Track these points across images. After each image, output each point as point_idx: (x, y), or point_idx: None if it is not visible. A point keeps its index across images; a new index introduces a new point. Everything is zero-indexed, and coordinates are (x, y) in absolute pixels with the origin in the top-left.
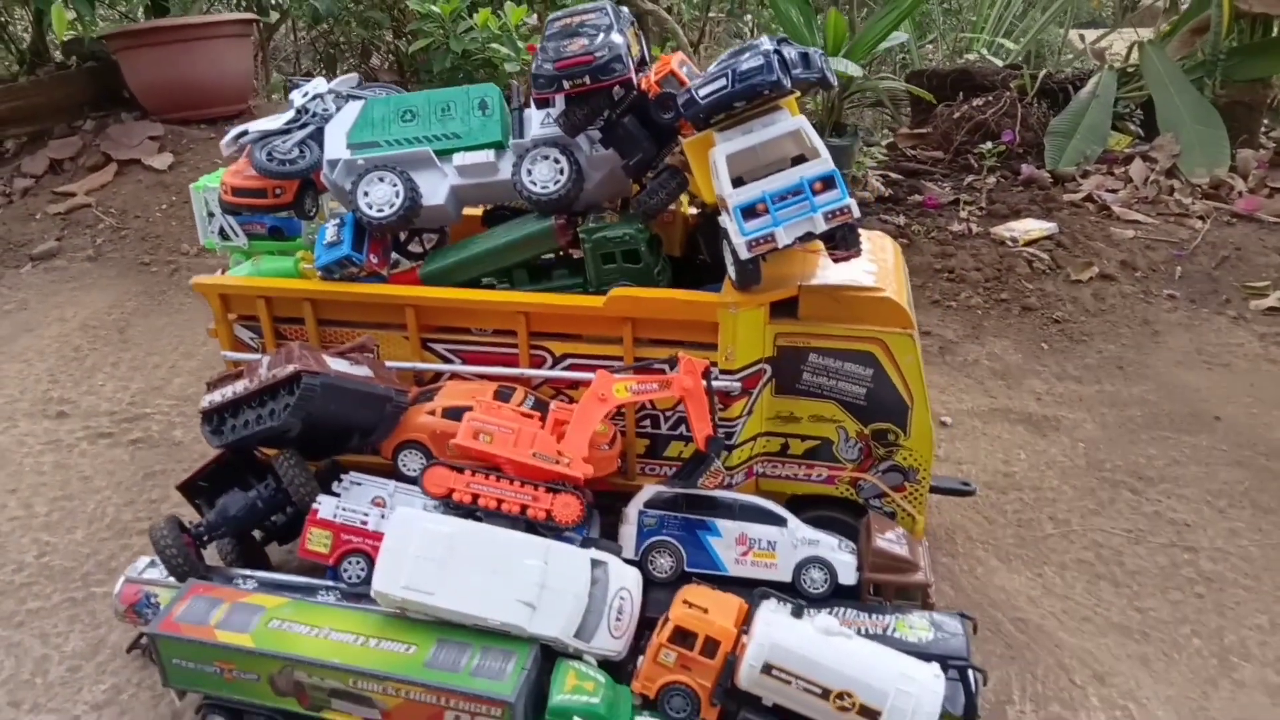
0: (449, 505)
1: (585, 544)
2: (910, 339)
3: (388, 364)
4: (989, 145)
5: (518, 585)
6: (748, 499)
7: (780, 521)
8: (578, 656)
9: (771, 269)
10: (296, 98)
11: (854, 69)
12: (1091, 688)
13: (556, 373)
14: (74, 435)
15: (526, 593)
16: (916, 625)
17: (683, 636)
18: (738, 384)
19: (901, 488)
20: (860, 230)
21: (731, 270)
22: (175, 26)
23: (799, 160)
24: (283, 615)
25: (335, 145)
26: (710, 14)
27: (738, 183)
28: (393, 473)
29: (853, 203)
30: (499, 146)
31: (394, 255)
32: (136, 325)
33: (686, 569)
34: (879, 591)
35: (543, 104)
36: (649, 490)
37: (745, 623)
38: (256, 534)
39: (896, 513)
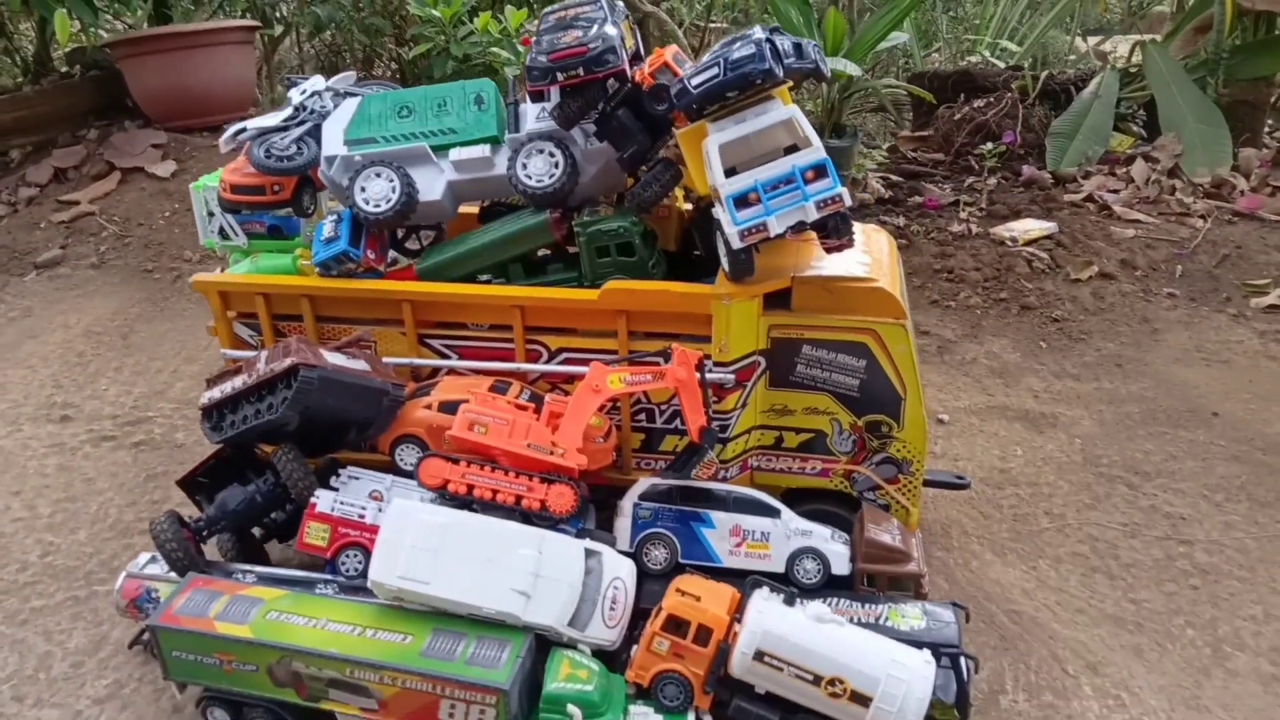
0: (444, 496)
1: (580, 535)
2: (903, 329)
3: (385, 360)
4: (989, 146)
5: (512, 574)
6: (741, 491)
7: (773, 513)
8: (572, 645)
9: (765, 261)
10: (294, 95)
11: (853, 69)
12: (1084, 677)
13: (552, 367)
14: (77, 439)
15: (521, 582)
16: (909, 614)
17: (676, 625)
18: (732, 376)
19: (895, 480)
20: (853, 222)
21: (725, 262)
22: (178, 34)
23: (792, 151)
24: (281, 607)
25: (332, 142)
26: (712, 20)
27: (731, 173)
28: (390, 468)
29: (844, 191)
30: (495, 141)
31: (391, 253)
32: (139, 331)
33: (681, 561)
34: (872, 582)
35: (537, 96)
36: (644, 483)
37: (738, 611)
38: (256, 532)
39: (890, 505)
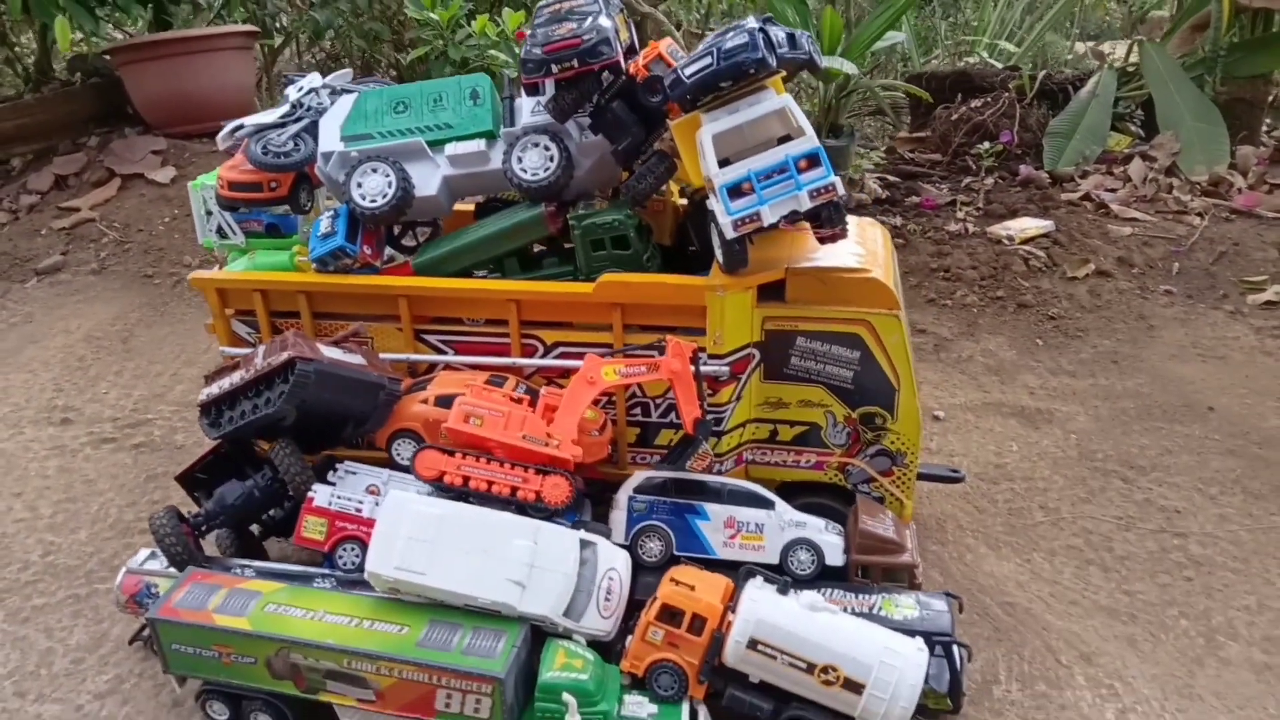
0: (440, 488)
1: (575, 527)
2: (896, 319)
3: (382, 356)
4: (986, 146)
5: (508, 565)
6: (735, 483)
7: (767, 504)
8: (567, 636)
9: (759, 253)
10: (291, 92)
11: (849, 67)
12: (1078, 667)
13: (548, 361)
14: (78, 441)
15: (516, 572)
16: (902, 604)
17: (670, 614)
18: (726, 368)
19: (889, 472)
20: (847, 214)
21: (719, 253)
22: (177, 39)
23: (785, 141)
24: (279, 600)
25: (329, 138)
26: (710, 28)
27: (725, 164)
28: (387, 463)
29: (837, 180)
30: (490, 136)
31: (388, 250)
32: (140, 336)
33: (676, 553)
34: (866, 573)
35: (532, 89)
36: (639, 476)
37: (732, 600)
38: (255, 529)
39: (885, 498)
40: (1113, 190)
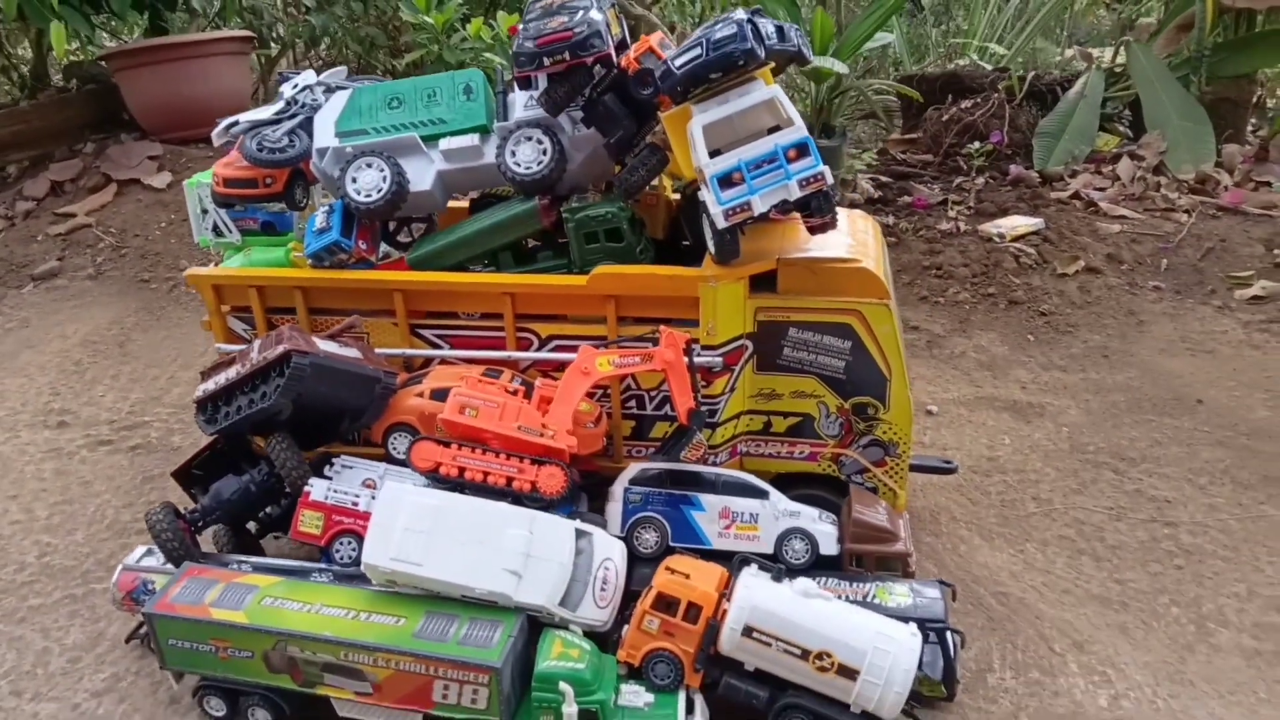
0: (436, 480)
1: (571, 519)
2: (887, 309)
3: (378, 351)
4: (977, 146)
5: (504, 554)
6: (730, 473)
7: (762, 494)
8: (563, 626)
9: (750, 244)
10: (286, 90)
11: (840, 67)
12: (1071, 655)
13: (543, 354)
14: (74, 443)
15: (512, 561)
16: (896, 592)
17: (665, 603)
18: (719, 359)
19: (882, 463)
20: (836, 205)
21: (711, 244)
22: (173, 45)
23: (775, 131)
24: (276, 593)
25: (324, 134)
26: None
27: (715, 155)
28: (384, 458)
29: (826, 170)
30: (484, 130)
31: (383, 247)
32: (136, 340)
33: (671, 544)
34: (860, 562)
35: (524, 82)
36: (634, 467)
37: (726, 589)
38: (252, 526)
39: (878, 488)
40: (1101, 189)
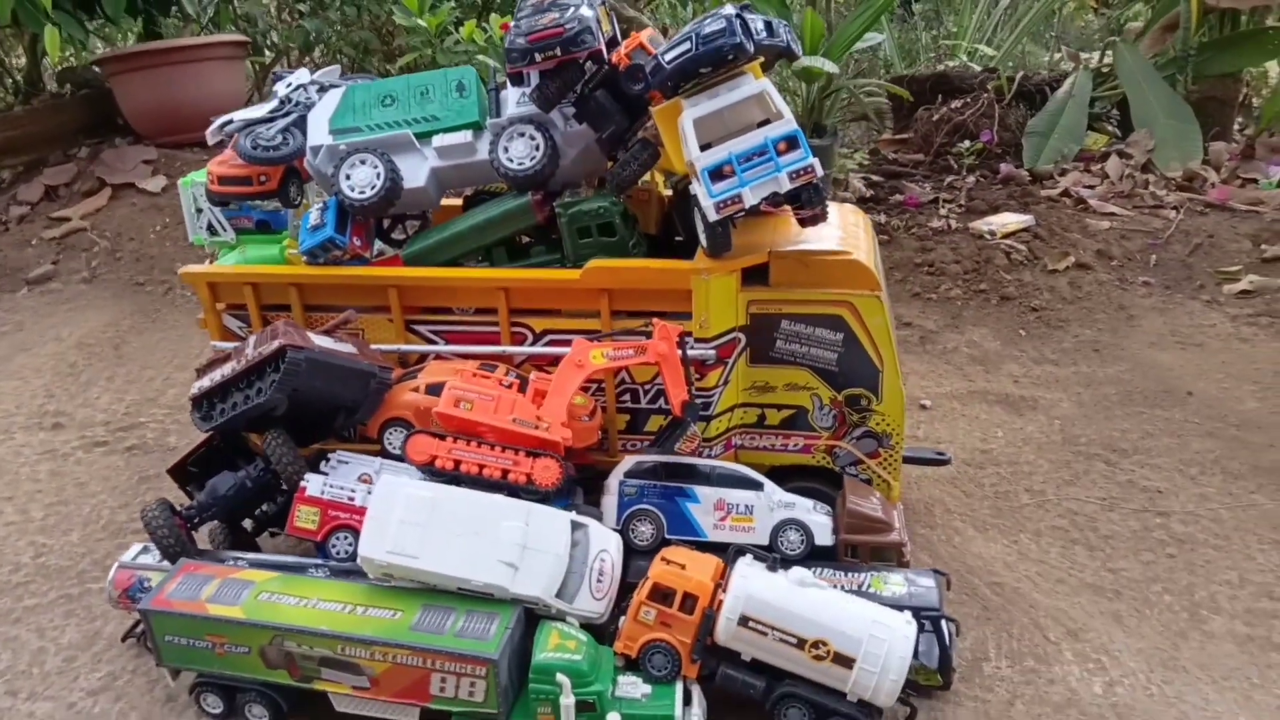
0: (432, 473)
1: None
2: (878, 300)
3: (373, 347)
4: (967, 145)
5: (500, 547)
6: (724, 465)
7: (756, 486)
8: (560, 618)
9: (742, 238)
10: (280, 88)
11: (830, 66)
12: (1065, 643)
13: (537, 349)
14: (69, 445)
15: (508, 554)
16: (891, 581)
17: (662, 594)
18: (713, 352)
19: (876, 454)
20: (827, 200)
21: (703, 237)
22: (166, 49)
23: (765, 125)
24: (272, 588)
25: (318, 131)
26: None
27: (706, 149)
28: (378, 455)
29: (816, 162)
30: (477, 127)
31: (378, 245)
32: (131, 342)
33: (667, 536)
34: (855, 553)
35: (516, 79)
36: (629, 460)
37: (722, 579)
38: (248, 524)
39: (872, 479)
40: (1090, 187)
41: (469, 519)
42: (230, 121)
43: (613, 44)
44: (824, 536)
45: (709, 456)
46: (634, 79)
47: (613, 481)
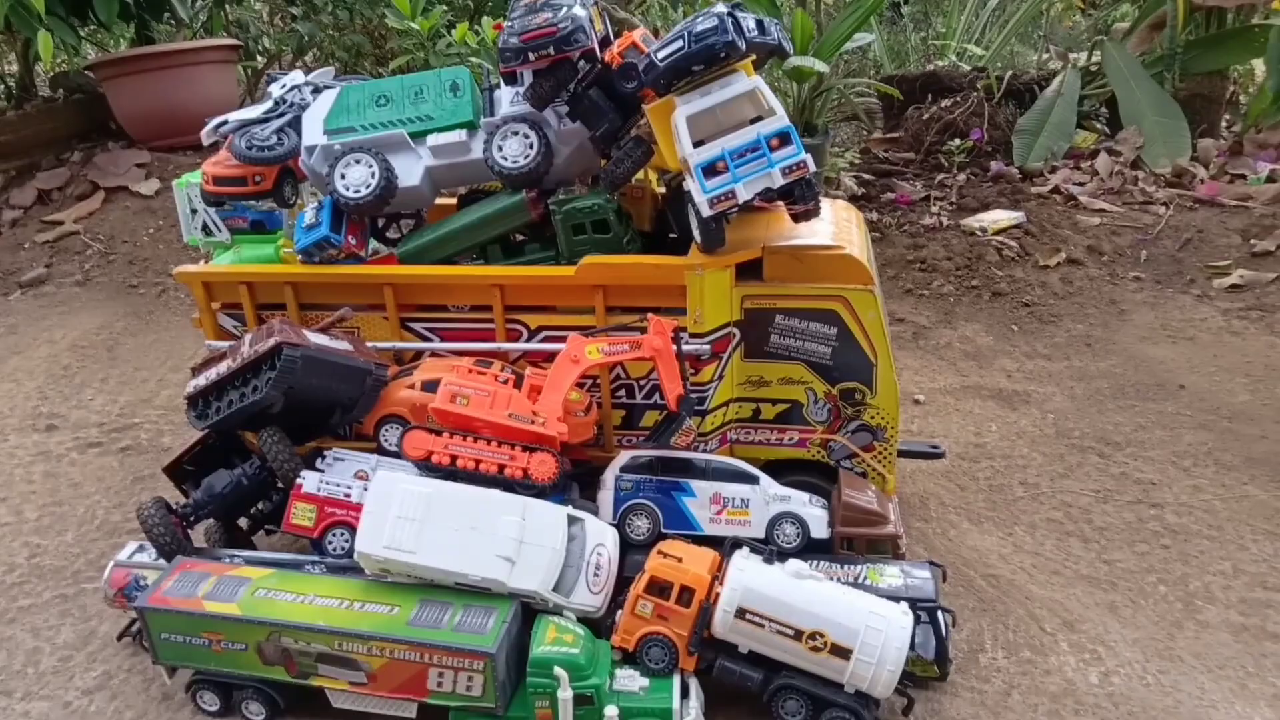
0: (428, 468)
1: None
2: (871, 294)
3: (369, 344)
4: (957, 143)
5: (497, 541)
6: (720, 459)
7: (752, 480)
8: (557, 612)
9: (736, 233)
10: (274, 89)
11: (821, 66)
12: (1061, 634)
13: (532, 345)
14: (63, 446)
15: (505, 548)
16: (887, 573)
17: (658, 587)
18: (708, 347)
19: (871, 447)
20: (820, 195)
21: (697, 233)
22: (159, 53)
23: (757, 122)
24: (269, 585)
25: (312, 131)
26: None
27: (699, 146)
28: (375, 451)
29: (808, 157)
30: (471, 126)
31: (373, 244)
32: (125, 344)
33: (663, 530)
34: (850, 545)
35: (510, 78)
36: (624, 455)
37: (719, 572)
38: (243, 523)
39: (867, 472)
40: (1080, 184)
41: (466, 514)
42: (225, 122)
43: (605, 43)
44: (820, 529)
45: (704, 451)
46: (627, 77)
47: (608, 476)
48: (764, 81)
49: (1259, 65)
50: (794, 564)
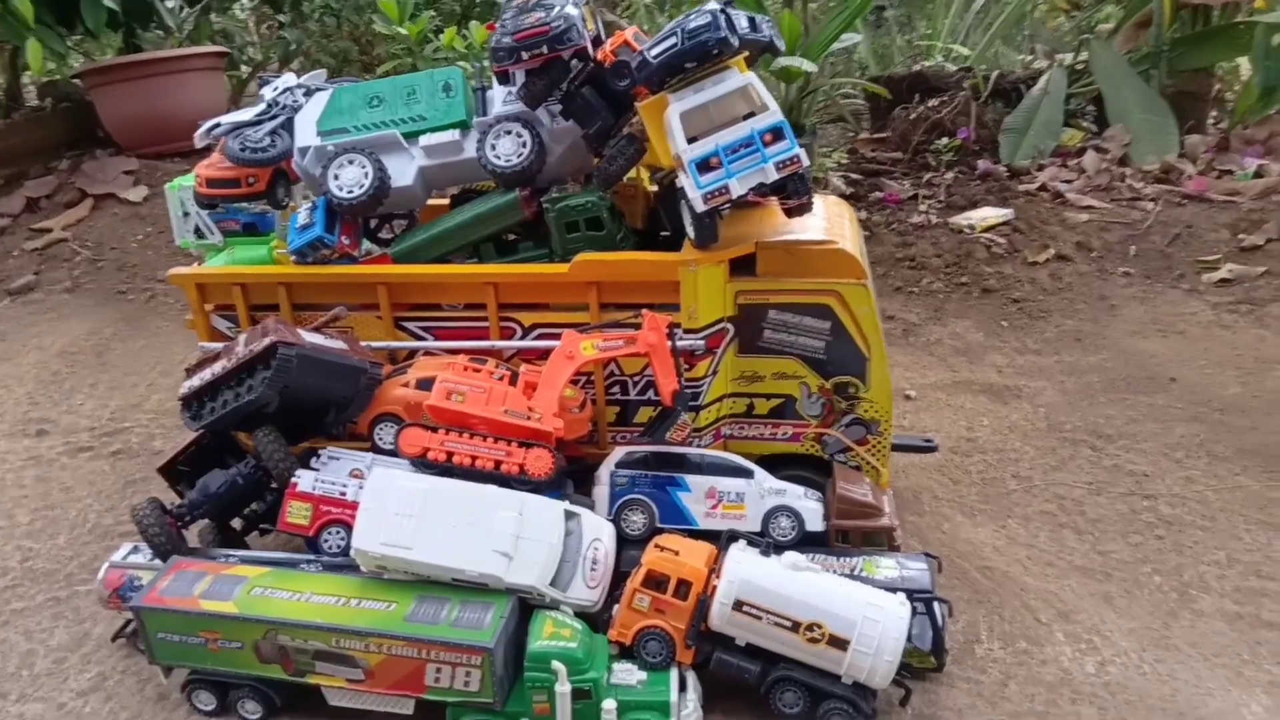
0: (424, 465)
1: None
2: (864, 289)
3: (363, 344)
4: (945, 142)
5: (494, 537)
6: (715, 454)
7: (747, 474)
8: (554, 606)
9: (729, 229)
10: (267, 92)
11: (809, 66)
12: (1057, 625)
13: (526, 343)
14: (54, 451)
15: (502, 543)
16: (883, 565)
17: (656, 581)
18: (702, 343)
19: (864, 441)
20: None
21: (690, 229)
22: (147, 61)
23: (750, 118)
24: (265, 583)
25: (305, 133)
26: None
27: (693, 142)
28: (370, 451)
29: (801, 152)
30: (464, 126)
31: (366, 244)
32: (115, 349)
33: (659, 525)
34: (846, 538)
35: (503, 77)
36: (620, 451)
37: (715, 564)
38: (237, 524)
39: (861, 466)
40: (1068, 181)
41: (462, 510)
42: (218, 125)
43: (597, 42)
44: (815, 522)
45: (699, 446)
46: (620, 75)
47: (604, 472)
48: (756, 78)
49: (1245, 62)
50: (791, 556)
